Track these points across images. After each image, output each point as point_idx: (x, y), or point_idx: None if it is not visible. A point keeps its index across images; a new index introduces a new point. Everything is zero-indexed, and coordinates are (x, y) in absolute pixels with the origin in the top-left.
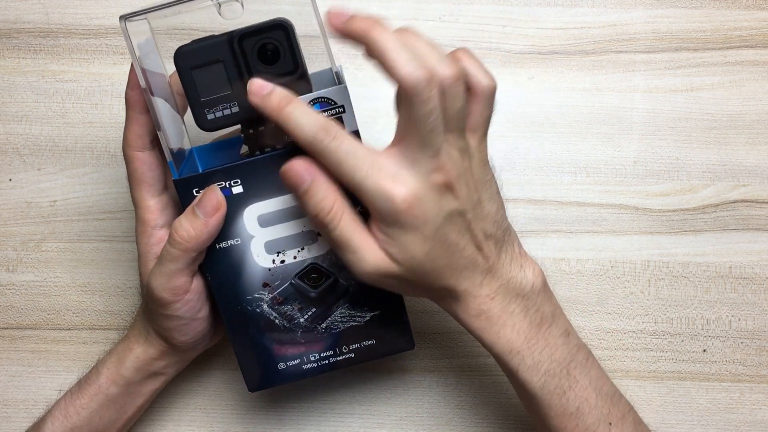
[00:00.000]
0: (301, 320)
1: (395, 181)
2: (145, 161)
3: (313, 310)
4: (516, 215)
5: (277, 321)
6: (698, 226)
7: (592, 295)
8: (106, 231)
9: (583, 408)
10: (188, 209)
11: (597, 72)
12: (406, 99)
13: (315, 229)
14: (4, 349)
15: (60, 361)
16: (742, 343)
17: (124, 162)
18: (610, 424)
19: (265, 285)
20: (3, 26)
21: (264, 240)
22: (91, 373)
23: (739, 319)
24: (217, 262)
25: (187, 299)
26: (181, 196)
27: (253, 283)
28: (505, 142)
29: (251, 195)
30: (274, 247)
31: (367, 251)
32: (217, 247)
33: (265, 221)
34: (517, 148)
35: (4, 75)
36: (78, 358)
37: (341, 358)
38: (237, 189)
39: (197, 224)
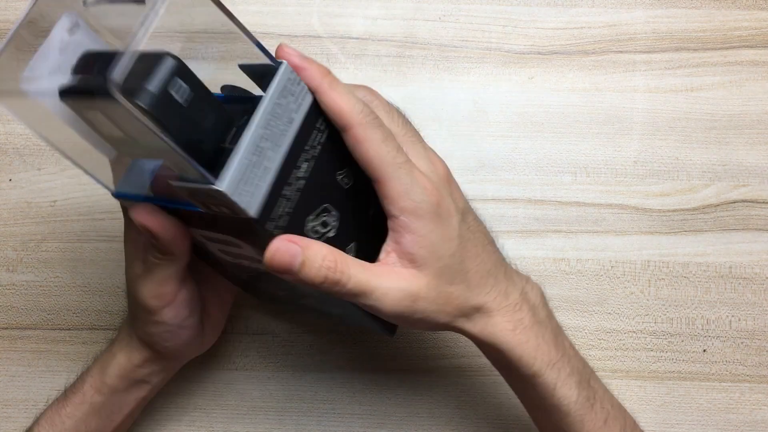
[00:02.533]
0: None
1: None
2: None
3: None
4: (516, 215)
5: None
6: (698, 226)
7: (592, 295)
8: (106, 231)
9: (608, 420)
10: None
11: (597, 72)
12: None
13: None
14: (4, 349)
15: (60, 361)
16: (742, 343)
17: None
18: None
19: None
20: (3, 26)
21: None
22: (77, 381)
23: (739, 319)
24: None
25: (175, 305)
26: None
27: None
28: (505, 142)
29: None
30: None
31: (388, 281)
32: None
33: None
34: (517, 148)
35: None
36: (78, 358)
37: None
38: None
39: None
